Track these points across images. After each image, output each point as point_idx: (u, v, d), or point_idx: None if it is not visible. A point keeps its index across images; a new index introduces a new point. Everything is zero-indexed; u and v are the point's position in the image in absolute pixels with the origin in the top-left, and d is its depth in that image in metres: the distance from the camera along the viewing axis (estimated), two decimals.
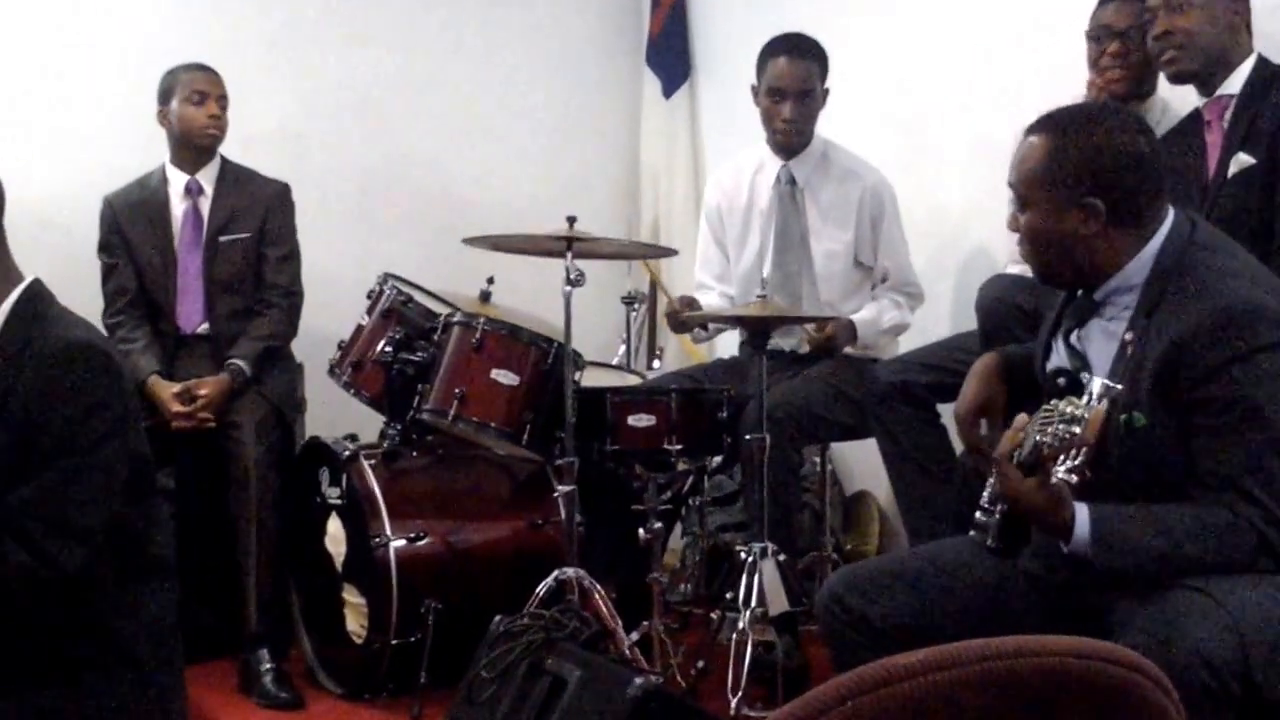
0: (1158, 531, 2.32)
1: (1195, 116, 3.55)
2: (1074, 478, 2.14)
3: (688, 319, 4.35)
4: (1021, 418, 2.30)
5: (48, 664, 2.53)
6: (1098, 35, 3.85)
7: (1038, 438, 2.18)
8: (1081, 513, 2.31)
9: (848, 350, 4.38)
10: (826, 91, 4.47)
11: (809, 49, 4.43)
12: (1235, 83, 3.44)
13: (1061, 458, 2.15)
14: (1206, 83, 3.49)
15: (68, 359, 2.50)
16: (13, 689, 2.49)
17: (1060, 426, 2.12)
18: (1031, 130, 2.60)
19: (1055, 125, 2.57)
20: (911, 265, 4.52)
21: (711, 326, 4.65)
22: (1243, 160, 3.36)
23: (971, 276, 4.61)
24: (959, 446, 3.82)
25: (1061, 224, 2.53)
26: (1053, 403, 2.18)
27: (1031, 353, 2.86)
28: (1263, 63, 3.45)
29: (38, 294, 2.62)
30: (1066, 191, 2.51)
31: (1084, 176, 2.50)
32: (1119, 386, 2.14)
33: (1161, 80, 3.77)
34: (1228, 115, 3.44)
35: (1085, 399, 2.12)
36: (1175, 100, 3.80)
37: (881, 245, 4.45)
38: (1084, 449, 2.11)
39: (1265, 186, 3.34)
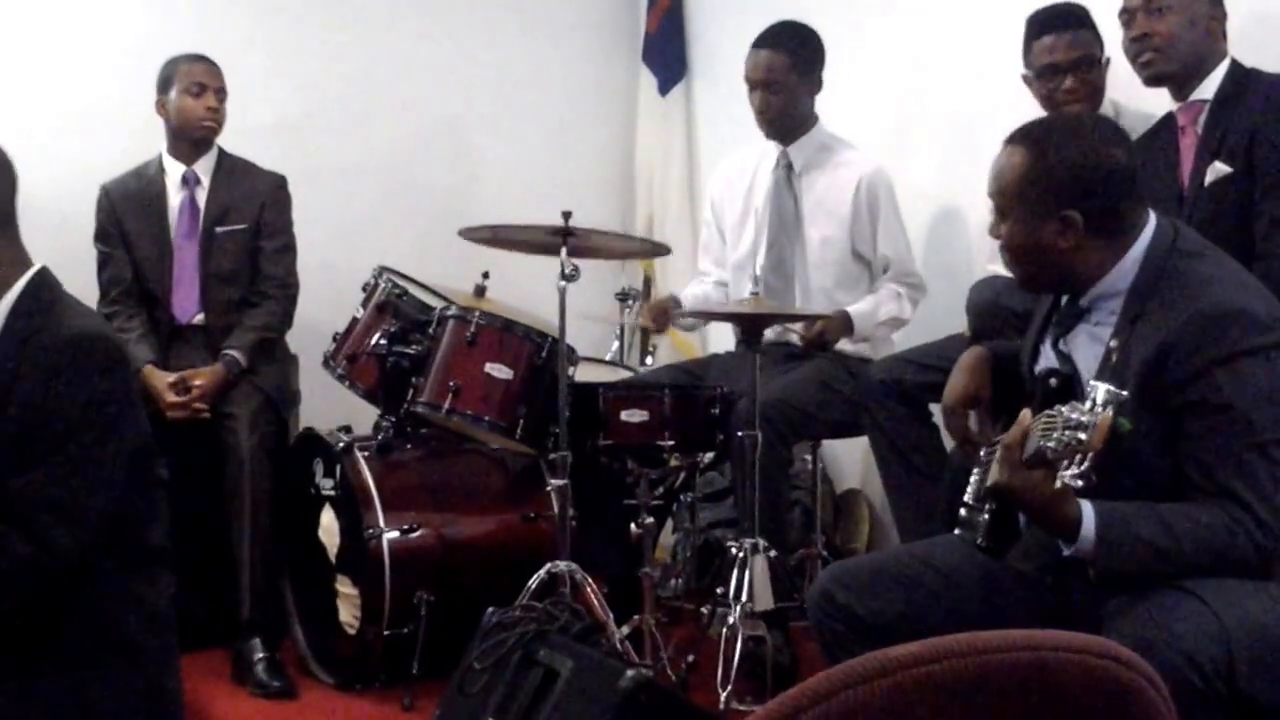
0: (1161, 534, 2.33)
1: (1169, 121, 3.55)
2: (1079, 483, 2.14)
3: (677, 317, 4.40)
4: (1025, 414, 2.32)
5: (46, 652, 2.54)
6: (1045, 73, 3.83)
7: (1041, 442, 2.18)
8: (1088, 512, 2.32)
9: (842, 347, 4.38)
10: (811, 80, 4.49)
11: (775, 39, 4.46)
12: (1209, 88, 3.44)
13: (1066, 463, 2.15)
14: (1182, 86, 3.49)
15: (77, 348, 2.50)
16: (11, 676, 2.50)
17: (1066, 433, 2.11)
18: (1010, 140, 2.62)
19: (1034, 137, 2.58)
20: (912, 256, 4.51)
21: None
22: (1219, 169, 3.36)
23: (962, 275, 4.64)
24: (950, 444, 3.85)
25: (1039, 235, 2.54)
26: (1056, 408, 2.17)
27: (1018, 349, 2.88)
28: (1236, 67, 3.45)
29: (45, 282, 2.62)
30: (1044, 204, 2.52)
31: (1061, 190, 2.51)
32: (1125, 394, 2.14)
33: (1110, 81, 3.83)
34: (1201, 120, 3.45)
35: (1089, 404, 2.11)
36: (1129, 101, 3.81)
37: (880, 236, 4.44)
38: (1090, 455, 2.11)
39: (1242, 196, 3.34)
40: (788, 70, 4.44)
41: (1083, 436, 2.10)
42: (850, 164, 4.48)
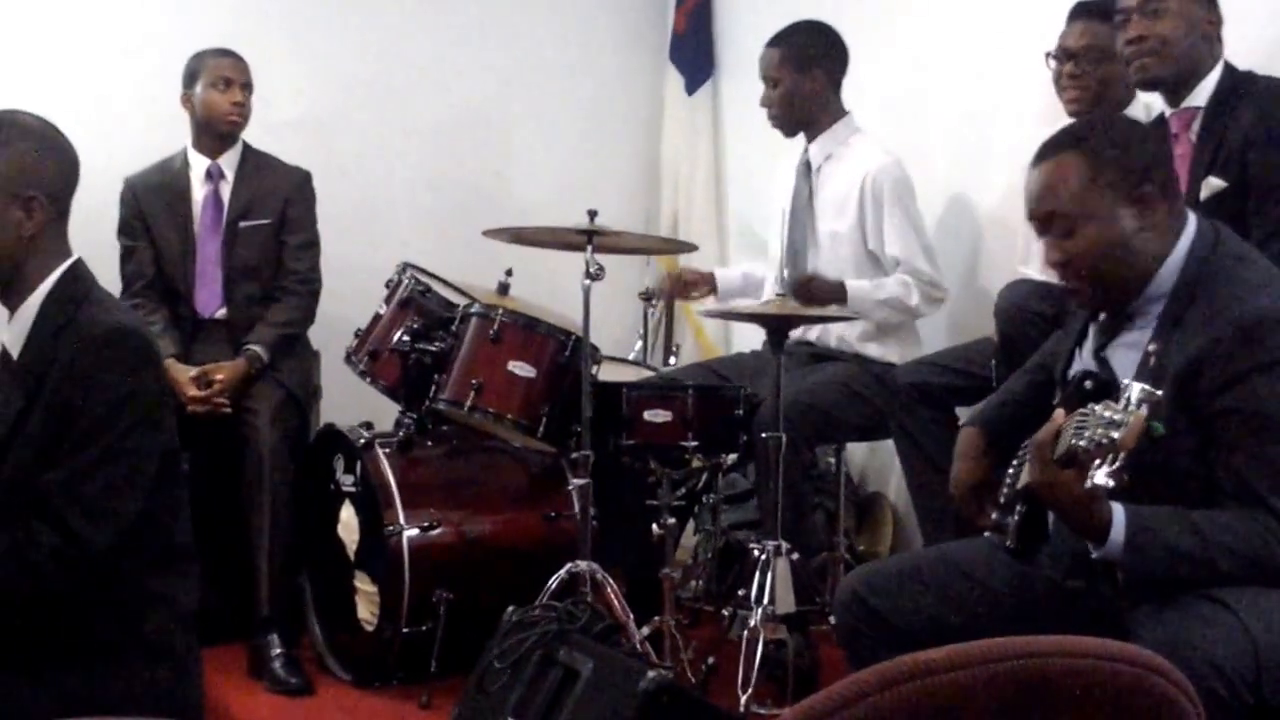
0: (1191, 540, 2.31)
1: (1160, 124, 3.50)
2: (1111, 482, 2.12)
3: (696, 295, 4.63)
4: (1059, 414, 2.29)
5: (69, 646, 2.54)
6: (1058, 55, 3.89)
7: (1073, 441, 2.16)
8: (1118, 514, 2.29)
9: (864, 352, 4.37)
10: (811, 75, 4.49)
11: (779, 37, 4.54)
12: (1202, 94, 3.39)
13: (1098, 462, 2.13)
14: (1175, 91, 3.43)
15: (111, 343, 2.51)
16: (35, 670, 2.49)
17: (1099, 431, 2.09)
18: (1046, 156, 2.57)
19: (1073, 140, 2.56)
20: (923, 254, 4.38)
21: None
22: (1214, 184, 3.31)
23: (977, 276, 4.63)
24: None
25: (1121, 226, 2.49)
26: (1090, 406, 2.16)
27: (1007, 413, 2.89)
28: (1229, 71, 3.40)
29: (80, 275, 2.63)
30: (1118, 191, 2.49)
31: (1128, 172, 2.49)
32: (1159, 393, 2.11)
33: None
34: (1195, 127, 3.39)
35: (1124, 404, 2.10)
36: (1157, 103, 3.79)
37: (886, 233, 4.38)
38: (1123, 454, 2.10)
39: (1236, 210, 3.28)
40: (780, 65, 4.50)
41: (1115, 435, 2.08)
42: (862, 159, 4.46)
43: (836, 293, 4.28)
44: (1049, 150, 2.57)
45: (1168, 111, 3.48)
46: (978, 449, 2.88)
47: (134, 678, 2.58)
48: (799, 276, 4.31)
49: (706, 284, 4.82)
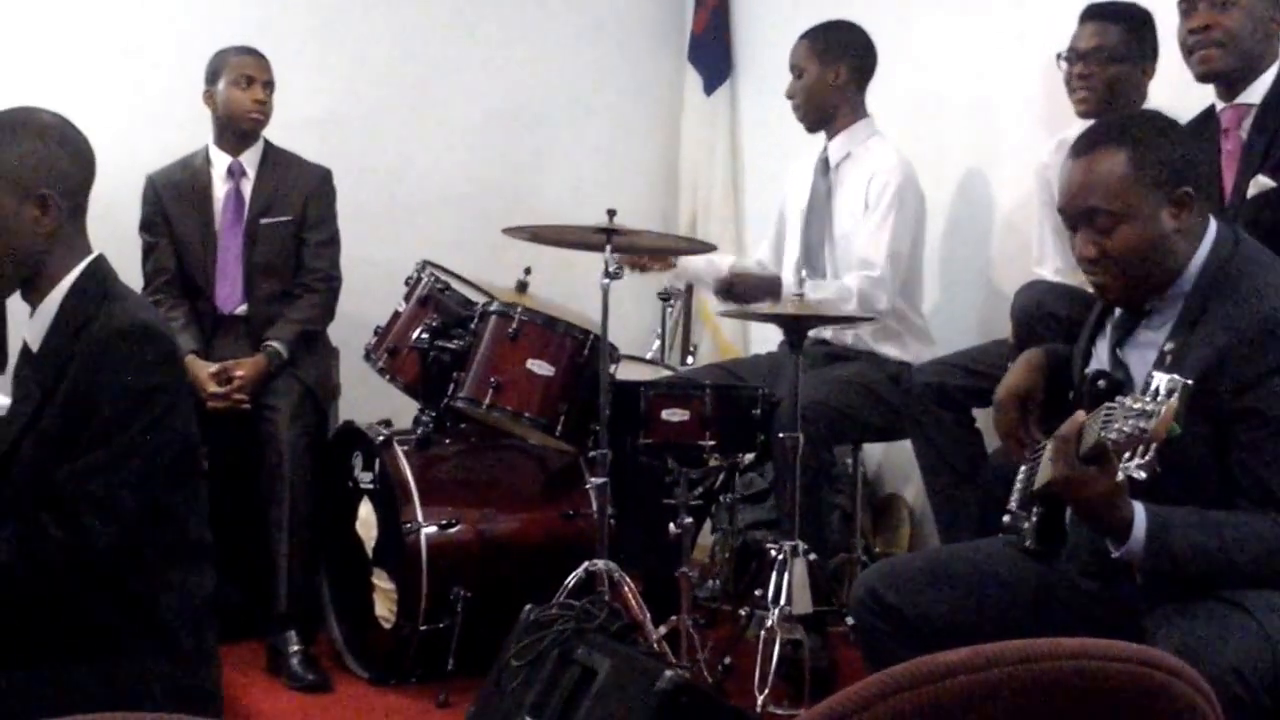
0: (1211, 540, 2.30)
1: (1211, 117, 3.48)
2: (1143, 474, 2.11)
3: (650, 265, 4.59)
4: (1079, 414, 2.29)
5: (80, 639, 2.54)
6: (1068, 55, 3.90)
7: (1102, 434, 2.15)
8: (1139, 513, 2.29)
9: (879, 351, 4.38)
10: (834, 69, 4.49)
11: (811, 29, 4.57)
12: (1258, 91, 3.38)
13: (1129, 454, 2.12)
14: (1232, 86, 3.43)
15: (128, 339, 2.50)
16: (47, 662, 2.50)
17: (1129, 422, 2.09)
18: (1089, 148, 2.54)
19: (1118, 134, 2.53)
20: (888, 259, 4.31)
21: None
22: (1262, 183, 3.29)
23: (989, 279, 4.62)
24: (990, 450, 3.83)
25: (1160, 225, 2.48)
26: (1116, 399, 2.16)
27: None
28: None
29: (102, 271, 2.63)
30: (1162, 190, 2.47)
31: (1170, 172, 2.48)
32: (1189, 381, 2.10)
33: (1152, 89, 3.82)
34: (1246, 124, 3.38)
35: (1151, 394, 2.09)
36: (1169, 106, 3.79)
37: (865, 225, 4.38)
38: (1154, 444, 2.09)
39: None
40: (806, 55, 4.52)
41: (1145, 425, 2.08)
42: (875, 160, 4.47)
43: (765, 289, 4.31)
44: (1092, 142, 2.55)
45: (1219, 105, 3.48)
46: (1037, 361, 2.82)
47: (144, 669, 2.57)
48: (720, 277, 4.43)
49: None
